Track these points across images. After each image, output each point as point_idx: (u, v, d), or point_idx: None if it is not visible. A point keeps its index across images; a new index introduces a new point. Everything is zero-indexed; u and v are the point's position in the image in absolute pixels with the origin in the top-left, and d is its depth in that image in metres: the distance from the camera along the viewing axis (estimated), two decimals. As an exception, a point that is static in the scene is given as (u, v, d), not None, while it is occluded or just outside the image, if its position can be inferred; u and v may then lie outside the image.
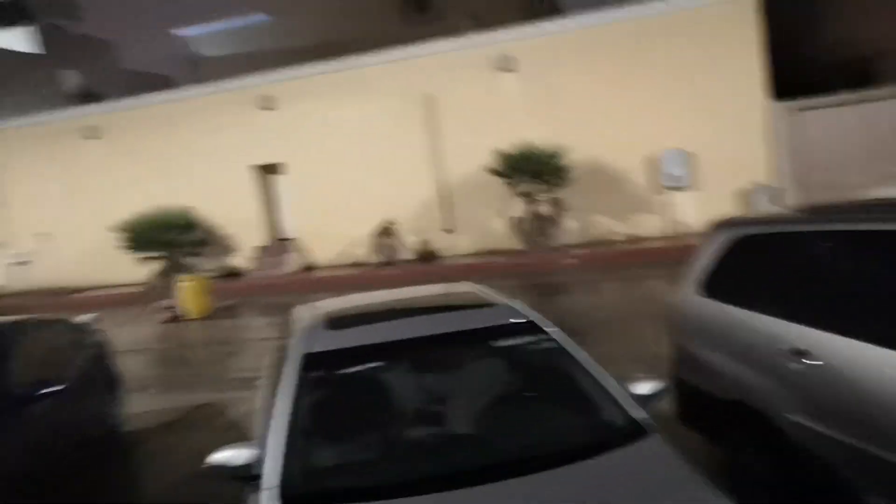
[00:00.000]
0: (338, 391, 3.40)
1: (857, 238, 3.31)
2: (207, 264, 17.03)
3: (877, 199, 4.56)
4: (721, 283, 4.16)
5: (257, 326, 13.08)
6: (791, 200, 13.99)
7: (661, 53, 14.78)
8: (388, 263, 15.81)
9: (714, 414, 4.06)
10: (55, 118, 19.50)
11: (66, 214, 18.83)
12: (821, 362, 3.22)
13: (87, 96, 21.63)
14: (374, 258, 16.04)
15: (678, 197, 14.67)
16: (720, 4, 14.45)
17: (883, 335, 2.94)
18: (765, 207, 13.24)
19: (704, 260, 4.35)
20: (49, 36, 33.00)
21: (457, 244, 16.36)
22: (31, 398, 4.71)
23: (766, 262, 3.91)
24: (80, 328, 6.72)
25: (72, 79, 22.95)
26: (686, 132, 14.56)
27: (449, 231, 16.40)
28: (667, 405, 3.54)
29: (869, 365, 2.97)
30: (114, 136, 18.55)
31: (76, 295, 17.44)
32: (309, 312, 4.13)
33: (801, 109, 14.40)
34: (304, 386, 3.19)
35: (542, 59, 15.56)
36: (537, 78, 15.59)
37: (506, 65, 15.65)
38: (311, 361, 3.33)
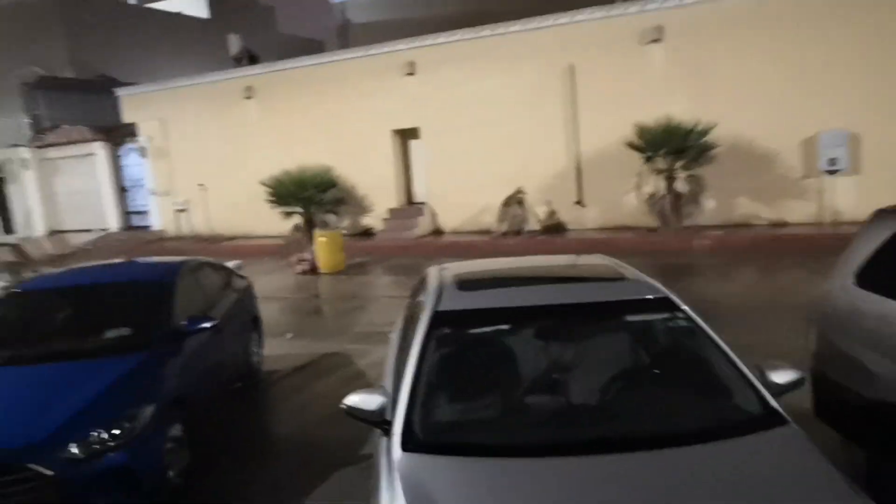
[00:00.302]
0: (465, 350, 3.49)
1: None
2: (343, 222, 17.86)
3: None
4: (880, 275, 3.83)
5: (384, 284, 13.61)
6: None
7: (830, 25, 13.43)
8: (515, 233, 15.82)
9: (858, 413, 3.79)
10: (217, 78, 21.01)
11: (221, 168, 20.34)
12: None
13: (248, 58, 23.05)
14: (501, 227, 16.09)
15: (836, 182, 13.47)
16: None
17: None
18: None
19: (863, 249, 4.02)
20: (218, 2, 35.47)
21: (586, 217, 16.05)
22: (190, 331, 5.21)
23: None
24: (229, 272, 7.32)
25: (235, 42, 24.62)
26: (852, 111, 13.23)
27: (579, 203, 16.10)
28: (801, 397, 3.33)
29: None
30: (267, 96, 19.72)
31: (225, 243, 18.92)
32: (441, 272, 4.24)
33: None
34: (433, 342, 3.30)
35: (691, 30, 14.67)
36: (685, 49, 14.75)
37: (652, 36, 14.93)
38: (441, 319, 3.43)
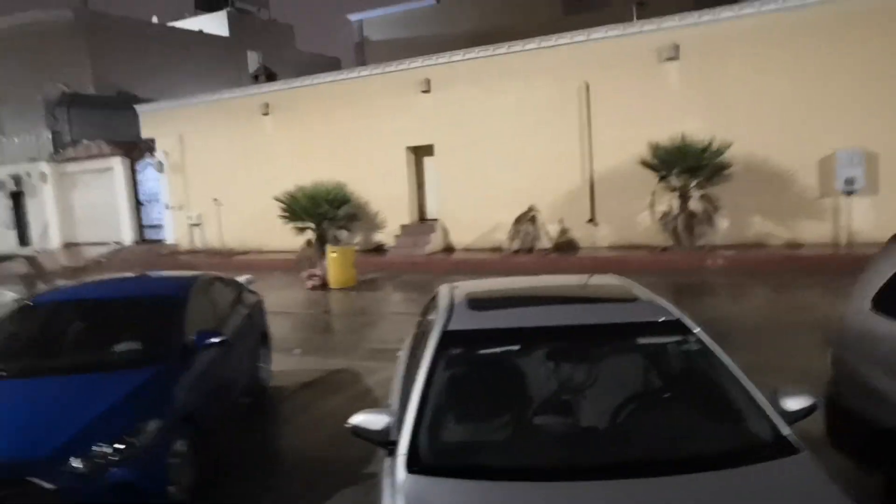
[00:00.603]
0: (474, 370, 3.45)
1: None
2: (355, 238, 17.91)
3: None
4: (870, 300, 3.76)
5: (395, 301, 13.59)
6: None
7: (847, 44, 13.37)
8: (527, 250, 15.78)
9: (874, 441, 3.69)
10: (235, 95, 21.27)
11: (234, 183, 20.52)
12: None
13: (266, 76, 23.41)
14: (513, 244, 16.06)
15: (852, 202, 13.32)
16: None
17: None
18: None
19: (880, 273, 3.94)
20: (238, 20, 36.04)
21: (598, 235, 15.99)
22: (199, 347, 5.20)
23: None
24: (240, 287, 7.33)
25: (253, 59, 25.06)
26: (871, 130, 13.14)
27: (591, 222, 16.04)
28: (814, 423, 3.26)
29: None
30: (283, 112, 19.91)
31: (237, 257, 19.02)
32: (452, 291, 4.20)
33: None
34: (442, 362, 3.26)
35: (708, 49, 14.67)
36: (701, 68, 14.74)
37: (668, 54, 14.93)
38: (451, 339, 3.39)
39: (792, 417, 2.93)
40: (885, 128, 13.13)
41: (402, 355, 4.47)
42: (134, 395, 4.42)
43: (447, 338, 3.39)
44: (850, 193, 13.15)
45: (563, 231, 16.14)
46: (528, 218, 16.08)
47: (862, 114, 13.29)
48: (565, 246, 15.96)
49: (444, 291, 4.27)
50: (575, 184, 16.15)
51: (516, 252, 15.82)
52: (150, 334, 5.20)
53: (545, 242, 16.07)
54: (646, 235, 15.02)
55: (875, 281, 3.96)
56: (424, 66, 17.83)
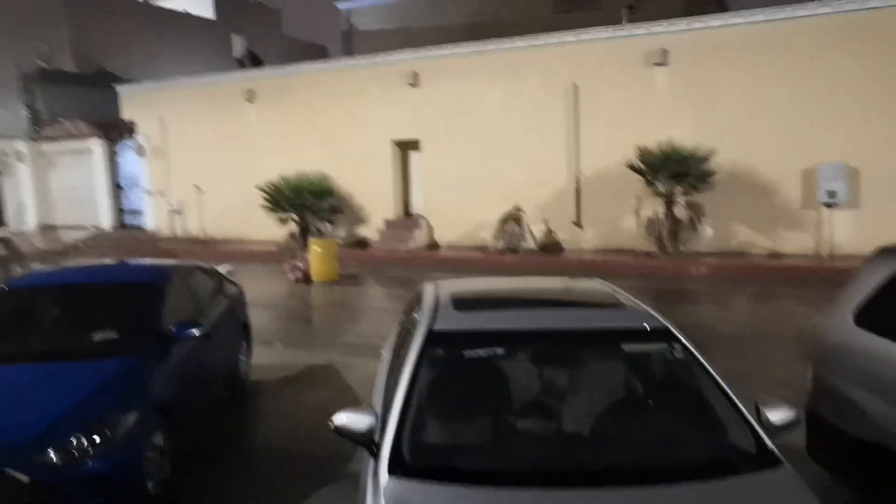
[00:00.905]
0: (458, 372, 3.42)
1: None
2: (338, 231, 17.79)
3: None
4: (879, 315, 3.80)
5: (377, 296, 13.53)
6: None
7: (839, 56, 13.52)
8: (511, 250, 15.78)
9: (852, 454, 3.74)
10: (219, 80, 21.00)
11: (218, 170, 20.29)
12: None
13: (251, 61, 23.12)
14: (497, 243, 16.06)
15: (834, 215, 13.49)
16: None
17: None
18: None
19: (863, 287, 3.98)
20: (224, 3, 35.50)
21: (583, 238, 16.03)
22: (178, 337, 5.12)
23: None
24: (221, 278, 7.23)
25: (239, 44, 24.65)
26: (853, 144, 13.32)
27: (576, 224, 16.09)
28: (794, 434, 3.29)
29: None
30: (268, 100, 19.71)
31: (218, 246, 18.82)
32: (436, 290, 4.16)
33: None
34: (426, 362, 3.23)
35: (697, 56, 14.75)
36: (689, 75, 14.81)
37: (657, 59, 14.98)
38: (436, 339, 3.36)
39: (775, 430, 2.95)
40: (868, 143, 13.30)
41: (386, 354, 4.43)
42: (111, 385, 4.33)
43: (432, 338, 3.36)
44: (831, 206, 13.33)
45: (549, 232, 16.16)
46: (513, 217, 16.07)
47: (846, 128, 13.45)
48: (550, 247, 15.98)
49: (428, 290, 4.23)
50: (561, 185, 16.18)
51: (501, 251, 15.82)
52: (128, 323, 5.10)
53: (530, 243, 16.08)
54: (630, 240, 15.09)
55: (857, 295, 4.01)
56: (413, 58, 17.72)
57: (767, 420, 2.97)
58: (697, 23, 14.88)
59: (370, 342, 7.85)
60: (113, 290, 5.62)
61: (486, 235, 16.40)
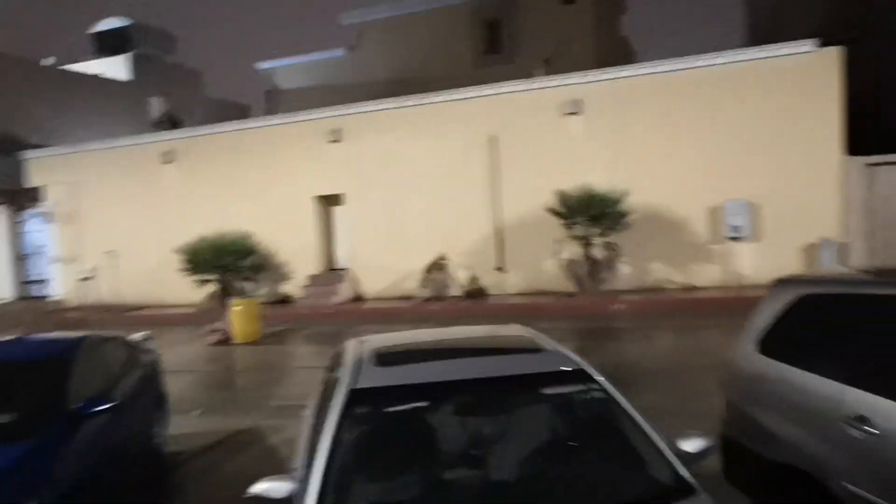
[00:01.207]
0: (382, 429, 3.37)
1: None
2: (261, 289, 17.38)
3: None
4: (780, 342, 4.03)
5: (302, 354, 13.21)
6: (859, 259, 13.46)
7: (735, 103, 14.60)
8: (437, 298, 15.83)
9: (764, 476, 3.89)
10: (135, 142, 20.46)
11: (135, 234, 19.58)
12: (880, 431, 3.07)
13: (170, 122, 22.66)
14: (423, 292, 16.08)
15: (739, 248, 14.29)
16: (801, 57, 14.23)
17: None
18: (830, 264, 12.77)
19: (764, 317, 4.21)
20: (143, 64, 34.84)
21: (507, 282, 16.29)
22: (86, 414, 4.81)
23: (828, 323, 3.79)
24: (134, 346, 6.90)
25: (156, 105, 24.14)
26: (754, 183, 14.31)
27: (500, 269, 16.34)
28: (712, 462, 3.41)
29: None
30: (189, 160, 19.32)
31: (134, 312, 18.01)
32: (358, 347, 4.13)
33: (875, 165, 13.91)
34: (348, 422, 3.18)
35: (609, 104, 15.57)
36: (603, 122, 15.59)
37: (572, 108, 15.72)
38: (357, 397, 3.32)
39: (690, 459, 3.04)
40: (767, 181, 14.29)
41: (308, 414, 4.31)
42: (8, 473, 4.01)
43: (354, 396, 3.31)
44: (736, 240, 14.13)
45: (474, 279, 16.35)
46: (437, 266, 16.19)
47: (747, 168, 14.45)
48: (475, 293, 16.14)
49: (350, 347, 4.19)
50: (484, 232, 16.47)
51: (427, 300, 15.84)
52: (29, 403, 4.77)
53: (456, 290, 16.19)
54: (552, 282, 15.45)
55: (759, 325, 4.22)
56: (335, 115, 17.88)
57: (682, 450, 3.08)
58: (607, 74, 15.77)
59: (295, 403, 7.60)
60: (10, 368, 5.25)
61: (413, 285, 16.42)
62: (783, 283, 4.29)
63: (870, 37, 15.49)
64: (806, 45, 14.25)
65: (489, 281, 16.36)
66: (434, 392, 3.44)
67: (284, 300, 17.62)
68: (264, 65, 28.87)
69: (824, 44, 14.15)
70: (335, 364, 4.21)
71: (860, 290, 3.73)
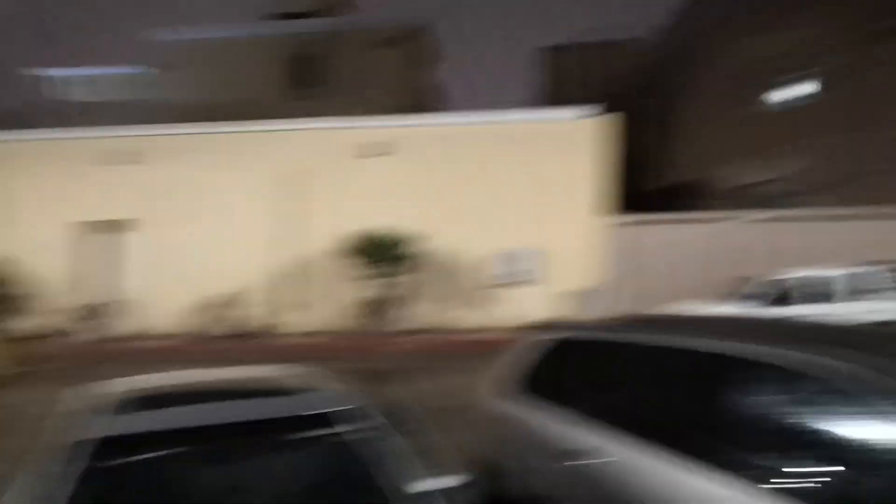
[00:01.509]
0: (116, 485, 3.04)
1: (644, 351, 3.59)
2: (17, 324, 15.22)
3: (674, 315, 5.03)
4: (533, 381, 4.33)
5: (48, 400, 11.66)
6: (617, 305, 15.10)
7: (517, 157, 15.96)
8: (227, 336, 15.06)
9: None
10: None
11: None
12: (609, 459, 3.35)
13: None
14: (212, 329, 15.20)
15: (520, 292, 15.42)
16: (574, 122, 16.00)
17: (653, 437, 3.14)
18: (591, 309, 14.30)
19: (511, 362, 4.57)
20: None
21: (301, 320, 15.96)
22: None
23: (560, 364, 4.22)
24: None
25: None
26: (534, 232, 15.62)
27: (296, 307, 15.99)
28: (474, 497, 3.55)
29: (643, 466, 3.14)
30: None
31: None
32: (101, 391, 3.76)
33: (638, 223, 15.89)
34: (75, 480, 2.83)
35: (417, 149, 16.20)
36: (411, 165, 16.17)
37: (379, 149, 16.13)
38: (87, 450, 2.98)
39: (455, 495, 3.10)
40: (544, 231, 15.73)
41: (21, 478, 3.79)
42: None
43: (82, 449, 2.97)
44: (514, 285, 15.38)
45: (269, 315, 15.82)
46: (231, 302, 15.47)
47: (527, 217, 15.79)
48: (267, 331, 15.60)
49: (88, 391, 3.79)
50: (283, 269, 16.07)
51: (213, 338, 14.98)
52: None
53: (246, 327, 15.52)
54: (344, 321, 15.45)
55: (507, 368, 4.58)
56: (126, 135, 16.62)
57: (447, 487, 3.12)
58: (409, 119, 16.68)
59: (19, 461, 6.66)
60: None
61: (201, 321, 15.46)
62: (531, 329, 4.70)
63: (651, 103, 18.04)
64: (568, 113, 16.08)
65: (285, 318, 15.91)
66: (178, 440, 3.20)
67: (44, 336, 15.60)
68: (51, 72, 26.03)
69: (609, 110, 16.01)
70: (70, 411, 3.77)
71: (598, 336, 4.16)
